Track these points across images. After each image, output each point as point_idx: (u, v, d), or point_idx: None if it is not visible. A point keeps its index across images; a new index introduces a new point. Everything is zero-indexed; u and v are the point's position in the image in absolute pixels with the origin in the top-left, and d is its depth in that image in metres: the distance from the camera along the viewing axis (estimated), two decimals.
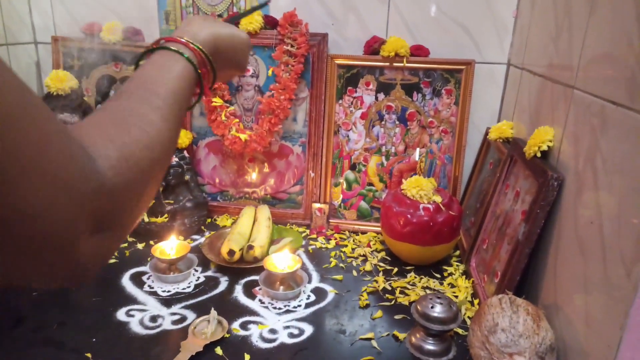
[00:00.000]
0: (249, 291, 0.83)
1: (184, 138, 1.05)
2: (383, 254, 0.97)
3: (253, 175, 1.10)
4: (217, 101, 1.02)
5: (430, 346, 0.68)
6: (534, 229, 0.67)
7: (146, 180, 0.38)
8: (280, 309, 0.78)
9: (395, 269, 0.91)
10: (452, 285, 0.87)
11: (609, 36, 0.57)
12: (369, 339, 0.71)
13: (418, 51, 0.99)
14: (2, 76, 0.25)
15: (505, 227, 0.78)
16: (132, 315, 0.75)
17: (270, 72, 1.02)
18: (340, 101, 1.03)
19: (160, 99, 0.43)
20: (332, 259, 0.94)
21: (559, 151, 0.69)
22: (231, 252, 0.87)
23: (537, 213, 0.66)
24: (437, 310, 0.67)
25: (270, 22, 1.02)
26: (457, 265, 0.93)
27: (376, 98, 1.02)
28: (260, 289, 0.82)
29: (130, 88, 0.43)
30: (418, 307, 0.69)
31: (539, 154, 0.71)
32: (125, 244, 0.97)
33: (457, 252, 0.98)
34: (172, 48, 0.47)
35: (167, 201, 1.04)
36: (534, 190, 0.69)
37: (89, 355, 0.65)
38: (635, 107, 0.49)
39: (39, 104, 0.28)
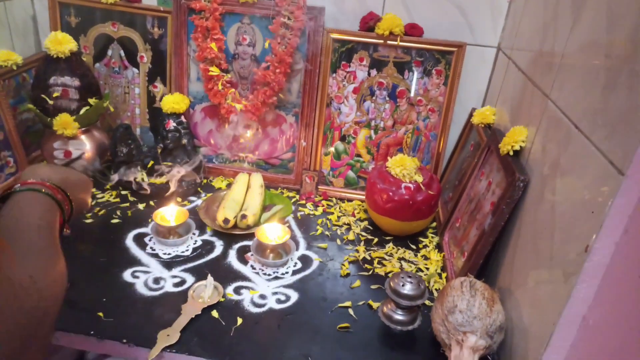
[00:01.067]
0: (241, 256, 0.92)
1: (181, 103, 1.08)
2: (366, 223, 1.05)
3: (247, 134, 1.14)
4: (214, 70, 1.04)
5: (399, 316, 0.78)
6: (499, 222, 0.75)
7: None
8: (269, 275, 0.87)
9: (376, 239, 1.00)
10: (426, 258, 0.96)
11: (582, 60, 0.61)
12: (347, 307, 0.81)
13: (412, 30, 1.01)
14: None
15: (476, 212, 0.86)
16: (137, 277, 0.84)
17: (267, 44, 1.04)
18: (334, 75, 1.06)
19: (41, 230, 0.52)
20: (318, 227, 1.02)
21: (530, 151, 0.75)
22: (226, 221, 0.95)
23: (503, 209, 0.74)
24: (407, 288, 0.76)
25: None
26: (432, 237, 1.02)
27: (369, 74, 1.05)
28: (252, 255, 0.91)
29: (13, 228, 0.50)
30: (391, 283, 0.78)
31: (511, 152, 0.77)
32: (127, 204, 1.04)
33: (434, 224, 1.07)
34: (32, 188, 0.55)
35: (165, 163, 1.10)
36: (503, 185, 0.76)
37: (100, 314, 0.74)
38: (593, 139, 0.54)
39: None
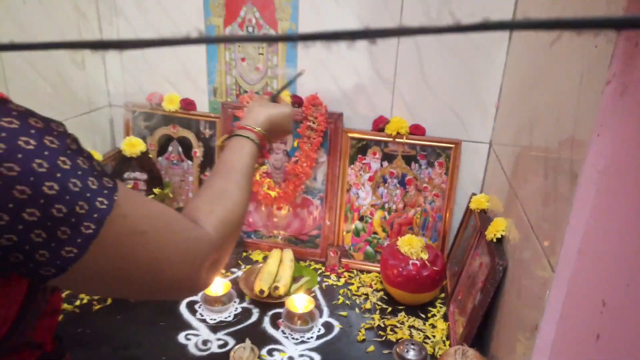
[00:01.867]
0: (274, 322, 1.09)
1: None
2: (382, 293, 1.21)
3: (282, 212, 1.34)
4: None
5: None
6: (486, 298, 0.90)
7: (235, 229, 0.62)
8: (297, 339, 1.04)
9: (390, 308, 1.16)
10: (433, 326, 1.10)
11: (534, 174, 0.78)
12: None
13: (416, 130, 1.21)
14: (163, 214, 0.50)
15: (472, 288, 1.01)
16: (189, 339, 1.02)
17: (295, 143, 1.27)
18: (352, 166, 1.27)
19: (239, 176, 0.67)
20: (340, 297, 1.19)
21: (509, 239, 0.91)
22: (261, 291, 1.13)
23: (488, 288, 0.89)
24: (411, 355, 0.91)
25: (297, 101, 1.26)
26: (440, 307, 1.17)
27: (381, 165, 1.26)
28: (283, 322, 1.08)
29: (220, 168, 0.68)
30: (397, 349, 0.93)
31: (494, 240, 0.94)
32: None
33: (443, 295, 1.21)
34: (242, 134, 0.74)
35: None
36: (489, 267, 0.92)
37: None
38: (540, 239, 0.71)
39: (168, 214, 0.51)
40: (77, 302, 1.11)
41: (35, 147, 0.39)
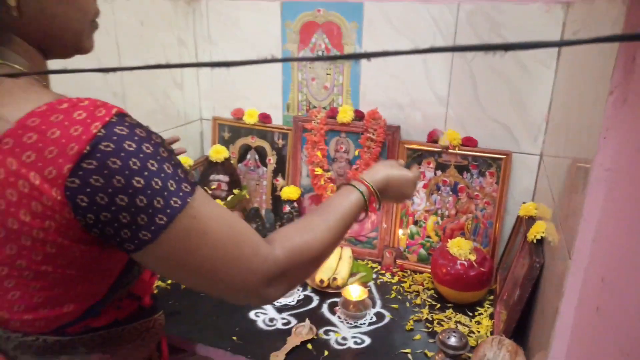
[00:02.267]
0: (332, 308, 1.23)
1: (295, 193, 1.49)
2: (432, 292, 1.31)
3: None
4: (318, 171, 1.44)
5: None
6: (524, 294, 0.98)
7: (308, 262, 0.64)
8: (351, 324, 1.17)
9: (439, 305, 1.25)
10: (479, 323, 1.18)
11: (562, 177, 0.86)
12: (407, 353, 1.07)
13: (468, 142, 1.31)
14: (232, 223, 0.56)
15: (514, 288, 1.08)
16: (259, 317, 1.19)
17: (356, 152, 1.42)
18: None
19: (331, 217, 0.69)
20: (393, 292, 1.30)
21: (547, 240, 0.98)
22: (321, 281, 1.28)
23: (526, 284, 0.97)
24: (452, 341, 1.00)
25: (359, 115, 1.41)
26: (487, 308, 1.24)
27: (435, 174, 1.36)
28: (339, 308, 1.22)
29: (320, 207, 0.72)
30: (440, 337, 1.03)
31: (535, 240, 1.01)
32: None
33: (492, 297, 1.28)
34: (354, 184, 0.78)
35: None
36: (528, 266, 1.00)
37: (234, 338, 1.10)
38: (564, 234, 0.79)
39: (238, 226, 0.57)
40: (169, 280, 1.33)
41: (134, 150, 0.49)
